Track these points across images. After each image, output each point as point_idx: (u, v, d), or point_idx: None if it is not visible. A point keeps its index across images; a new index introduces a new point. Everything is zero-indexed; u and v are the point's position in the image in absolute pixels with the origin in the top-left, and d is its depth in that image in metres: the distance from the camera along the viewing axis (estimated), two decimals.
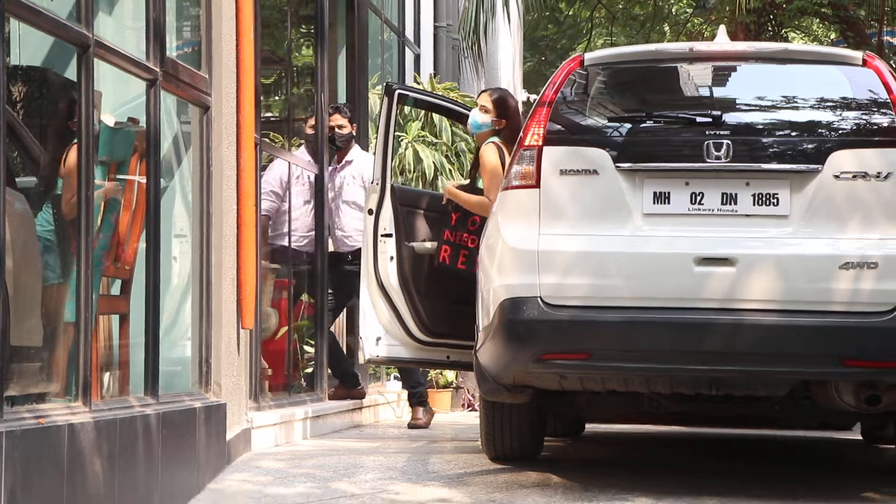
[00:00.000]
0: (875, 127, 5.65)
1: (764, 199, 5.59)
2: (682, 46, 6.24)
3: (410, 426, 9.13)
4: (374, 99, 10.75)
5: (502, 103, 7.44)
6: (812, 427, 8.22)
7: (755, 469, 6.87)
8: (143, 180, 5.90)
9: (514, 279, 5.59)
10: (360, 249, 9.11)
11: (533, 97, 16.54)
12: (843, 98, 5.79)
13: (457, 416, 10.70)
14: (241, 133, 6.89)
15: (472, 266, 6.44)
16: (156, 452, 5.47)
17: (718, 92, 6.16)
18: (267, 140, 8.50)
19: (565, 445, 7.93)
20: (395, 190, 7.62)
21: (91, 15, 5.17)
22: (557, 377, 5.81)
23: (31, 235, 4.90)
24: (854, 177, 5.55)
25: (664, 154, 5.67)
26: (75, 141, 5.13)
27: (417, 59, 13.32)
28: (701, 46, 6.07)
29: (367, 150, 9.71)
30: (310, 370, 9.24)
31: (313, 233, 9.06)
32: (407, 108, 10.93)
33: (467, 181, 7.44)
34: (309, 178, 9.05)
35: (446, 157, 10.96)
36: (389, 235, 7.55)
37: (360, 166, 9.20)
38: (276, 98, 9.99)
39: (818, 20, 17.83)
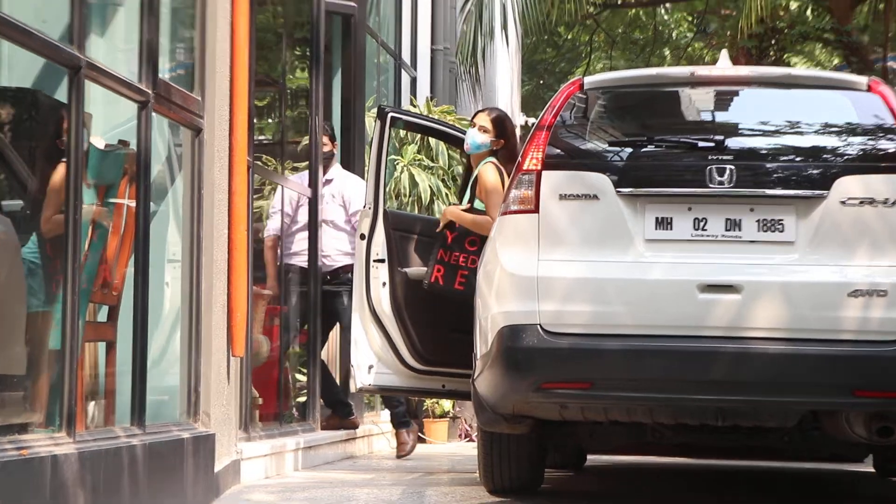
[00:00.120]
0: (881, 152, 5.63)
1: (769, 225, 5.55)
2: (683, 70, 6.23)
3: (399, 457, 9.07)
4: (371, 122, 10.72)
5: (500, 123, 7.44)
6: (822, 459, 8.17)
7: (763, 503, 6.80)
8: (133, 204, 5.85)
9: (513, 306, 5.55)
10: (339, 269, 9.13)
11: (531, 121, 16.54)
12: (849, 123, 5.76)
13: (454, 446, 10.63)
14: (234, 156, 6.85)
15: (471, 288, 6.38)
16: (142, 485, 5.39)
17: (721, 116, 6.14)
18: (260, 163, 8.46)
19: (566, 477, 7.86)
20: (388, 214, 7.58)
21: (83, 36, 5.15)
22: (558, 407, 5.76)
23: (15, 260, 4.85)
24: (861, 203, 5.52)
25: (666, 179, 5.64)
26: (63, 160, 5.09)
27: (414, 82, 13.32)
28: (703, 71, 6.06)
29: (364, 173, 9.67)
30: (302, 399, 9.17)
31: (338, 250, 9.05)
32: (403, 132, 10.91)
33: (468, 206, 7.39)
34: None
35: (443, 181, 10.94)
36: (382, 261, 7.51)
37: (341, 185, 9.21)
38: (270, 121, 9.95)
39: (821, 45, 17.88)
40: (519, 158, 5.88)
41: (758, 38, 14.52)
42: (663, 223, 5.60)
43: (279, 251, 8.87)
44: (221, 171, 6.73)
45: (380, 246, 7.48)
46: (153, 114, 5.91)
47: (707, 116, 6.19)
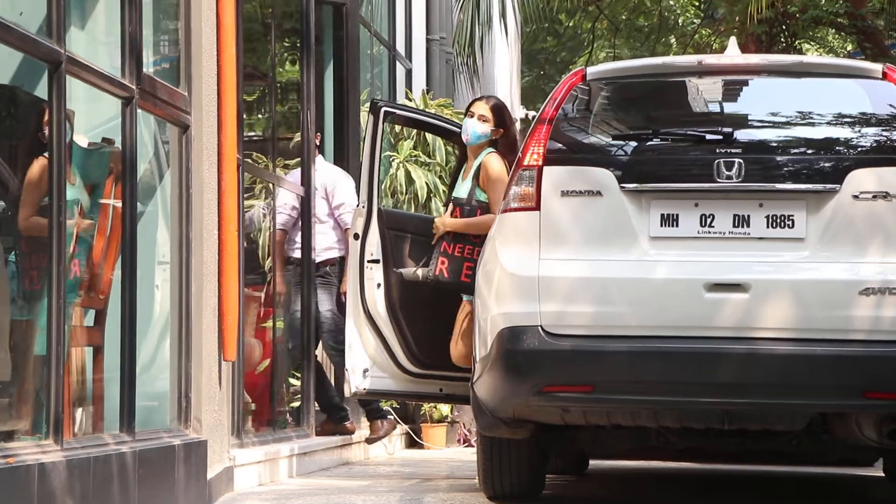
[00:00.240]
0: None
1: (778, 221, 5.59)
2: (690, 59, 6.25)
3: (369, 440, 9.11)
4: (364, 116, 10.76)
5: (499, 111, 7.50)
6: (831, 463, 8.20)
7: None
8: (119, 204, 5.89)
9: (514, 307, 5.59)
10: (320, 263, 9.19)
11: (532, 114, 16.58)
12: (862, 113, 5.79)
13: (452, 452, 10.68)
14: (223, 153, 6.89)
15: None
16: (132, 493, 5.44)
17: (729, 108, 6.16)
18: (250, 161, 8.51)
19: (568, 483, 7.90)
20: (383, 213, 7.62)
21: (63, 30, 5.17)
22: (559, 411, 5.80)
23: None
24: (874, 197, 5.56)
25: (672, 174, 5.67)
26: (41, 155, 5.12)
27: (409, 74, 13.35)
28: (710, 59, 6.08)
29: (358, 170, 9.72)
30: (296, 404, 9.22)
31: (320, 244, 9.13)
32: (398, 127, 10.94)
33: (468, 198, 7.41)
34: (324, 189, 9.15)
35: (440, 177, 10.97)
36: (377, 261, 7.55)
37: (323, 177, 9.27)
38: (260, 116, 9.99)
39: (834, 31, 17.90)
40: (519, 153, 5.91)
41: (768, 24, 14.52)
42: (669, 220, 5.64)
43: (286, 246, 8.98)
44: (210, 169, 6.77)
45: (374, 246, 7.52)
46: (138, 110, 5.94)
47: (715, 107, 6.20)
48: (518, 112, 15.95)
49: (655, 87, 6.07)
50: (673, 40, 18.85)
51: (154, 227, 6.65)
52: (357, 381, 7.62)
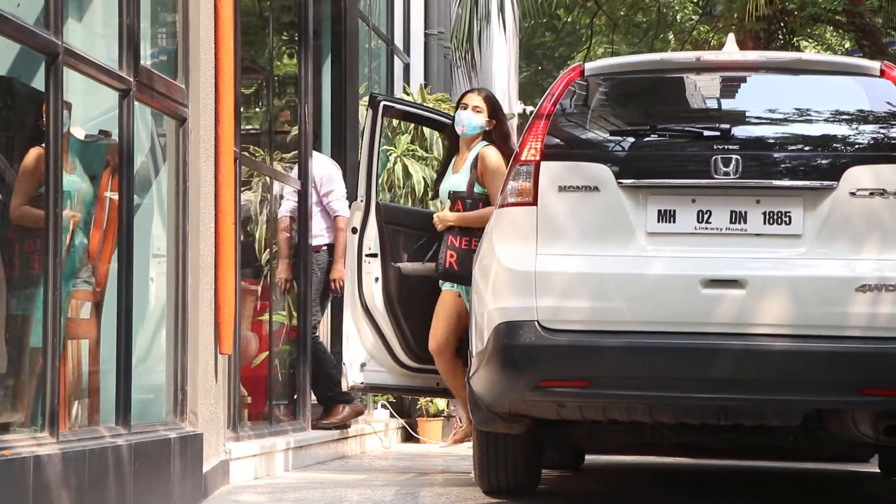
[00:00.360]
0: (894, 141, 5.66)
1: (775, 217, 5.59)
2: (688, 56, 6.25)
3: (324, 426, 9.05)
4: (362, 110, 10.76)
5: (493, 102, 7.55)
6: (826, 459, 8.21)
7: None
8: (116, 197, 5.89)
9: (510, 302, 5.58)
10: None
11: (529, 109, 16.58)
12: (860, 111, 5.80)
13: (447, 447, 10.67)
14: (220, 146, 6.89)
15: None
16: (127, 486, 5.44)
17: (727, 104, 6.17)
18: (247, 154, 8.50)
19: (564, 478, 7.91)
20: (381, 207, 7.62)
21: (60, 21, 5.16)
22: (556, 406, 5.80)
23: None
24: (871, 194, 5.56)
25: (669, 170, 5.67)
26: (41, 144, 5.11)
27: (407, 68, 13.34)
28: (709, 56, 6.08)
29: (358, 165, 9.73)
30: (293, 397, 9.22)
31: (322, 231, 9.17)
32: (396, 121, 10.93)
33: (467, 191, 7.40)
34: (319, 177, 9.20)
35: (437, 172, 10.96)
36: (374, 255, 7.55)
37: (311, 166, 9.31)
38: (257, 109, 9.99)
39: (832, 28, 17.90)
40: (516, 147, 5.91)
41: (766, 21, 14.52)
42: (666, 216, 5.64)
43: (292, 234, 9.00)
44: (207, 162, 6.77)
45: (372, 240, 7.52)
46: (135, 103, 5.94)
47: (713, 104, 6.20)
48: (516, 107, 15.96)
49: (653, 83, 6.07)
50: (671, 36, 18.85)
51: (151, 220, 6.65)
52: (354, 374, 7.63)
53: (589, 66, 5.98)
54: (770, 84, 6.01)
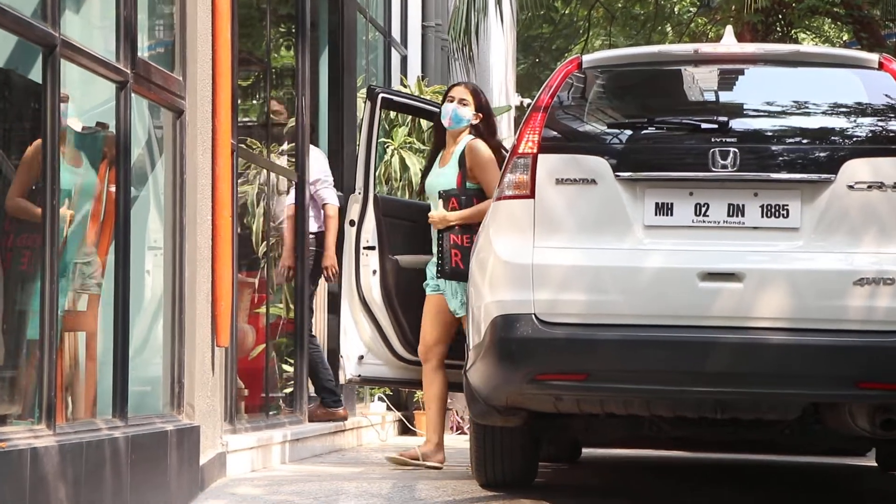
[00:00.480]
0: (892, 134, 5.66)
1: (773, 210, 5.60)
2: (686, 48, 6.25)
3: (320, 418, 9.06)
4: (360, 103, 10.75)
5: (478, 96, 7.55)
6: (823, 453, 8.22)
7: (763, 498, 6.87)
8: (112, 189, 5.89)
9: (507, 295, 5.59)
10: None
11: (527, 101, 16.57)
12: (858, 103, 5.80)
13: (445, 439, 10.67)
14: (217, 139, 6.89)
15: None
16: (124, 478, 5.45)
17: (725, 97, 6.17)
18: (244, 146, 8.50)
19: (561, 471, 7.92)
20: (378, 200, 7.62)
21: (57, 13, 5.15)
22: (553, 399, 5.81)
23: None
24: (869, 187, 5.56)
25: (667, 162, 5.67)
26: (37, 138, 5.11)
27: (404, 60, 13.33)
28: (706, 48, 6.08)
29: (356, 157, 9.75)
30: (289, 390, 9.23)
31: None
32: (393, 113, 10.93)
33: (458, 187, 7.40)
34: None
35: None
36: (372, 248, 7.56)
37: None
38: (254, 101, 9.99)
39: (830, 20, 17.90)
40: (515, 141, 5.92)
41: (764, 13, 14.51)
42: (663, 209, 5.64)
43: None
44: (204, 154, 6.77)
45: (370, 233, 7.53)
46: (132, 95, 5.94)
47: (710, 97, 6.20)
48: (513, 99, 15.95)
49: (651, 75, 6.07)
50: (669, 29, 18.83)
51: (147, 212, 6.65)
52: (352, 367, 7.64)
53: (586, 58, 5.98)
54: (768, 76, 6.01)
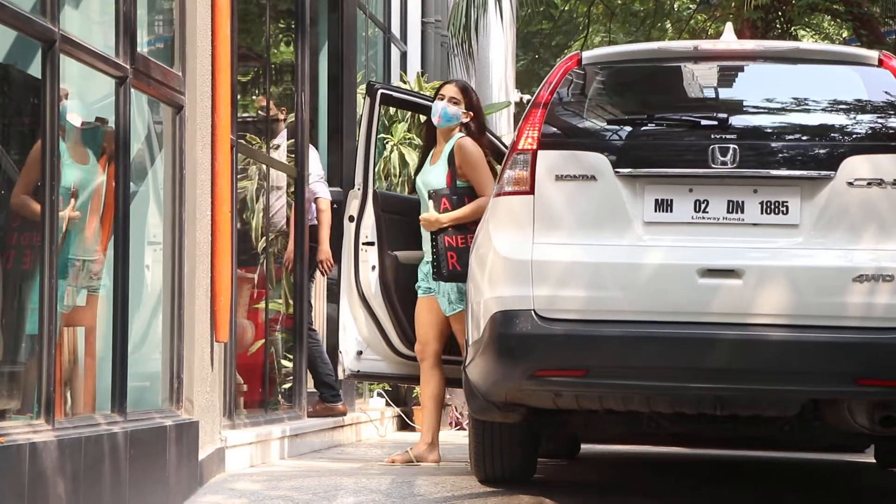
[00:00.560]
0: (891, 131, 5.66)
1: (772, 207, 5.59)
2: (686, 45, 6.24)
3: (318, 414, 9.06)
4: (360, 98, 10.75)
5: (470, 94, 7.54)
6: (822, 449, 8.22)
7: (762, 494, 6.87)
8: (112, 184, 5.88)
9: (506, 291, 5.58)
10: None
11: (526, 97, 16.57)
12: (858, 100, 5.79)
13: (444, 435, 10.67)
14: (217, 134, 6.88)
15: None
16: (123, 473, 5.44)
17: (725, 93, 6.16)
18: (243, 142, 8.49)
19: (560, 467, 7.92)
20: (378, 195, 7.61)
21: (57, 8, 5.15)
22: (552, 395, 5.81)
23: None
24: (869, 184, 5.56)
25: (666, 159, 5.67)
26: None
27: (404, 56, 13.33)
28: (706, 45, 6.07)
29: (356, 153, 9.75)
30: (288, 385, 9.23)
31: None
32: (393, 109, 10.93)
33: (447, 185, 7.39)
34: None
35: None
36: (371, 244, 7.55)
37: (283, 152, 9.33)
38: (254, 97, 9.98)
39: (830, 17, 17.88)
40: (514, 137, 5.91)
41: (763, 10, 14.49)
42: (663, 205, 5.63)
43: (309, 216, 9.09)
44: (204, 149, 6.76)
45: (369, 228, 7.53)
46: (132, 90, 5.93)
47: (710, 93, 6.20)
48: (513, 95, 15.95)
49: (651, 72, 6.06)
50: (668, 25, 18.82)
51: (147, 208, 6.64)
52: (351, 362, 7.64)
53: (586, 54, 5.98)
54: (768, 73, 6.01)
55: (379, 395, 10.86)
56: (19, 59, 5.49)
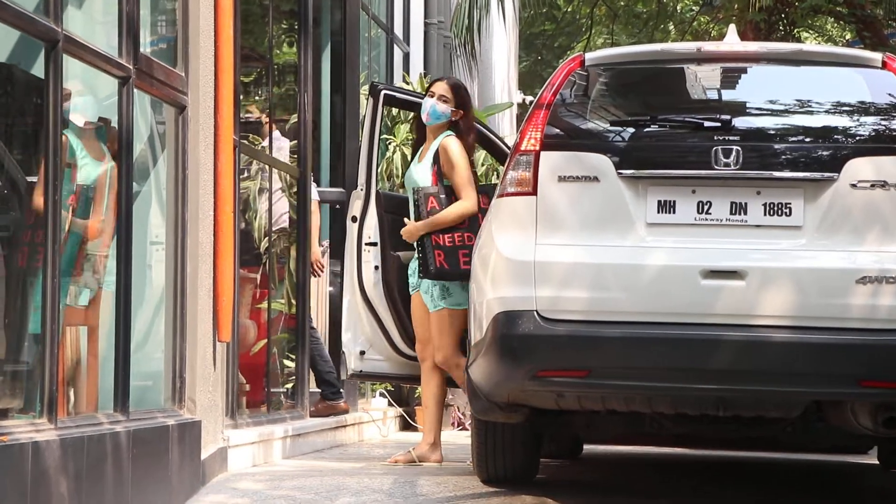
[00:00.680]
0: (895, 133, 5.66)
1: (776, 208, 5.59)
2: (689, 46, 6.24)
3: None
4: (362, 99, 10.75)
5: (460, 92, 7.52)
6: (825, 451, 8.21)
7: (763, 495, 6.86)
8: (115, 184, 5.88)
9: (509, 292, 5.58)
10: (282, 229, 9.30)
11: (529, 99, 16.56)
12: (861, 102, 5.79)
13: (446, 435, 10.67)
14: (219, 134, 6.88)
15: None
16: (126, 472, 5.44)
17: (728, 95, 6.16)
18: (246, 143, 8.49)
19: (562, 467, 7.91)
20: (381, 196, 7.61)
21: (60, 8, 5.15)
22: (554, 396, 5.80)
23: None
24: (872, 186, 5.55)
25: (669, 160, 5.67)
26: (64, 134, 5.11)
27: (406, 57, 13.32)
28: (709, 46, 6.07)
29: (358, 155, 9.76)
30: (290, 385, 9.22)
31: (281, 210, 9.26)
32: (395, 110, 10.93)
33: (434, 185, 7.38)
34: None
35: None
36: (374, 244, 7.55)
37: (285, 150, 9.35)
38: (257, 98, 9.99)
39: (832, 19, 17.88)
40: (517, 138, 5.91)
41: (767, 12, 14.48)
42: (666, 206, 5.63)
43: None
44: (207, 150, 6.76)
45: (372, 229, 7.53)
46: (134, 90, 5.93)
47: (713, 95, 6.20)
48: (515, 97, 15.94)
49: (654, 73, 6.06)
50: (671, 27, 18.81)
51: (150, 208, 6.64)
52: (354, 362, 7.64)
53: (589, 56, 5.97)
54: (771, 75, 6.01)
55: (381, 395, 10.86)
56: (22, 59, 5.49)
